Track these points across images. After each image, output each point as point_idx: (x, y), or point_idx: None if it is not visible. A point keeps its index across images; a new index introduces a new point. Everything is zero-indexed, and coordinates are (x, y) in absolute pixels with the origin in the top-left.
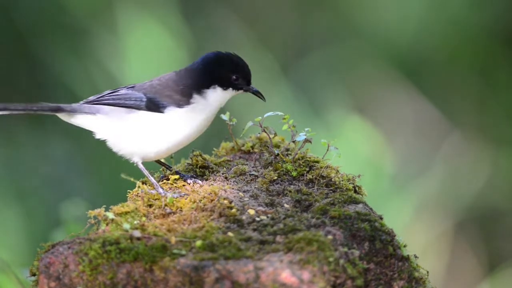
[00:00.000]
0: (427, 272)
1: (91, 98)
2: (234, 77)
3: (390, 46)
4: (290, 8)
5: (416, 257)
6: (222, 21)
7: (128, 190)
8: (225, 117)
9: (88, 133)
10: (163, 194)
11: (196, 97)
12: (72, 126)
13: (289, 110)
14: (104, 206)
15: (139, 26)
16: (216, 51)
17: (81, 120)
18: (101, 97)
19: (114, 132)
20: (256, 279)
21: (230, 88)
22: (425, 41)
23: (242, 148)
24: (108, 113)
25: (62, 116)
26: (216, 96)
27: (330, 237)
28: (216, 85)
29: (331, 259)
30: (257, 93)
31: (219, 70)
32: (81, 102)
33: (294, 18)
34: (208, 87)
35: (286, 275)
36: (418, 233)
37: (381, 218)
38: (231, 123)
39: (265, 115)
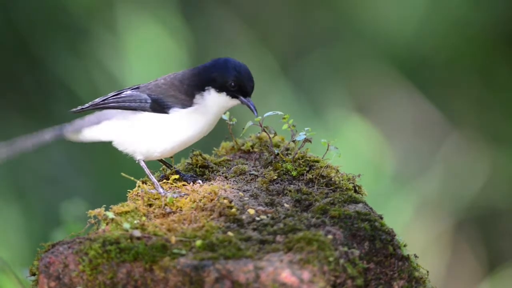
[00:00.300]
0: (427, 271)
1: (97, 100)
2: (232, 83)
3: (390, 46)
4: (290, 8)
5: (416, 256)
6: (222, 21)
7: (128, 190)
8: (225, 116)
9: None
10: (163, 194)
11: (197, 98)
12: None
13: (289, 109)
14: (104, 205)
15: (139, 26)
16: (228, 57)
17: (88, 134)
18: (106, 99)
19: (119, 133)
20: (256, 278)
21: (224, 93)
22: (425, 41)
23: (242, 147)
24: (113, 116)
25: (69, 137)
26: (213, 98)
27: (330, 236)
28: (211, 87)
29: (331, 259)
30: (250, 106)
31: (218, 72)
32: (87, 104)
33: (294, 18)
34: (204, 88)
35: (286, 275)
36: (418, 233)
37: (381, 218)
38: (231, 122)
39: (265, 115)
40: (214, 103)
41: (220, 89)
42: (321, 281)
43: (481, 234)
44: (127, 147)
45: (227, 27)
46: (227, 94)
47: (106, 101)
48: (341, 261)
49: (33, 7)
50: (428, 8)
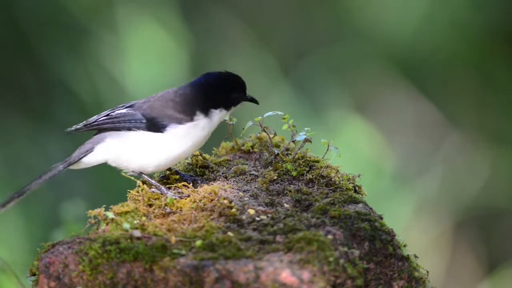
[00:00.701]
0: (427, 272)
1: (92, 119)
2: (235, 98)
3: (390, 46)
4: (290, 8)
5: (416, 257)
6: (222, 21)
7: (128, 190)
8: (225, 117)
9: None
10: (165, 193)
11: (199, 115)
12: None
13: (289, 110)
14: (104, 205)
15: (139, 26)
16: (218, 72)
17: (87, 161)
18: (99, 119)
19: (113, 151)
20: (256, 279)
21: (231, 107)
22: (425, 41)
23: (242, 147)
24: (106, 137)
25: (72, 167)
26: (221, 116)
27: (330, 237)
28: (222, 107)
29: (331, 259)
30: (252, 100)
31: (227, 92)
32: (81, 124)
33: (294, 18)
34: (215, 108)
35: (286, 275)
36: (418, 233)
37: (381, 218)
38: (231, 122)
39: (265, 115)
40: (220, 118)
41: (230, 106)
42: (321, 281)
43: (481, 234)
44: (120, 164)
45: (227, 27)
46: (234, 106)
47: (100, 121)
48: (341, 261)
49: (33, 7)
50: (428, 8)
